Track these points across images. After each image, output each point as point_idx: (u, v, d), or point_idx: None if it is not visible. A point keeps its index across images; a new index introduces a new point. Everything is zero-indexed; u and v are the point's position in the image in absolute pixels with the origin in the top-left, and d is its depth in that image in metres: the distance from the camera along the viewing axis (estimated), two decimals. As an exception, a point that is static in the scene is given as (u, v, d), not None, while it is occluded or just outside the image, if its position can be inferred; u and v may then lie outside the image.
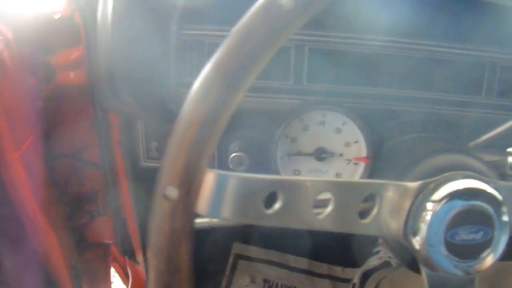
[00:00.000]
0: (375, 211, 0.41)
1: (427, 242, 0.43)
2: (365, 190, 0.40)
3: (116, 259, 0.99)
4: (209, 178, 0.37)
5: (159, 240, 0.37)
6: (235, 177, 0.37)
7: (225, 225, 0.61)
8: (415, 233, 0.43)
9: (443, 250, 0.43)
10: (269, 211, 0.38)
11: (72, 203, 0.80)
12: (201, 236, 0.83)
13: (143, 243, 0.83)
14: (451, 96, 0.65)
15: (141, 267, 0.88)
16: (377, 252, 0.97)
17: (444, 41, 0.63)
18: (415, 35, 0.62)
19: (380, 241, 0.97)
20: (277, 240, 1.04)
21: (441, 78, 0.64)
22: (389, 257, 0.93)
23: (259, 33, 0.34)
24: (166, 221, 0.37)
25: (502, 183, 0.45)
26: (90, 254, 0.87)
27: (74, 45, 0.69)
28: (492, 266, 0.45)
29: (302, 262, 1.05)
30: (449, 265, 0.43)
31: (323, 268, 1.05)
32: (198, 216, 0.38)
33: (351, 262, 1.03)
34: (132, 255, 0.87)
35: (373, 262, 0.94)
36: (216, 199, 0.37)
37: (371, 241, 0.98)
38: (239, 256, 1.04)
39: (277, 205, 0.38)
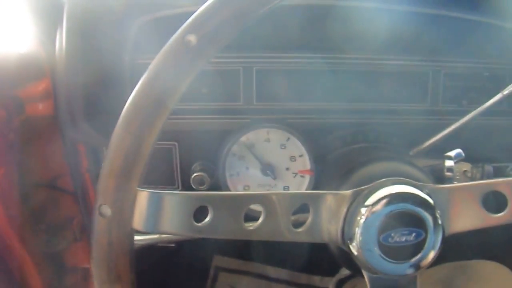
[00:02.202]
0: (309, 220, 0.44)
1: (362, 245, 0.45)
2: (296, 201, 0.43)
3: (97, 282, 1.01)
4: (142, 197, 0.41)
5: (98, 253, 0.41)
6: (165, 195, 0.41)
7: (206, 238, 0.63)
8: (351, 238, 0.46)
9: (377, 252, 0.45)
10: (200, 224, 0.41)
11: (48, 230, 0.82)
12: (182, 249, 0.85)
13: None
14: (397, 106, 0.68)
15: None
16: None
17: (385, 53, 0.66)
18: (357, 50, 0.65)
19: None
20: (257, 252, 1.06)
21: (386, 89, 0.67)
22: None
23: (170, 67, 0.38)
24: (103, 236, 0.41)
25: (433, 186, 0.47)
26: (70, 279, 0.88)
27: (40, 77, 0.71)
28: (445, 267, 0.47)
29: (282, 273, 1.07)
30: (386, 266, 0.46)
31: (302, 278, 1.07)
32: (136, 231, 0.41)
33: (329, 271, 1.05)
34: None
35: (346, 271, 0.96)
36: (149, 215, 0.41)
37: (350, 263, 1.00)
38: (220, 269, 1.06)
39: (207, 219, 0.42)
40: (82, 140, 0.70)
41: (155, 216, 0.41)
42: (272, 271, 1.07)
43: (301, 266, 1.07)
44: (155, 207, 0.41)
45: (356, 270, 0.51)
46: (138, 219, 0.41)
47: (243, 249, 1.06)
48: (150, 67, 0.38)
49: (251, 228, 0.42)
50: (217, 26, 0.37)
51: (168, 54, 0.38)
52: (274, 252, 1.02)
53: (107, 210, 0.40)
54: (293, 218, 0.44)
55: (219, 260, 1.07)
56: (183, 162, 0.69)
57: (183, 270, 0.98)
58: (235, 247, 1.06)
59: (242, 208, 0.41)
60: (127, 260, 0.42)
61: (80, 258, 0.87)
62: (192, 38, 0.37)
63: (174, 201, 0.41)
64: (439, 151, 0.61)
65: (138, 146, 0.39)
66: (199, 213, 0.42)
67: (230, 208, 0.41)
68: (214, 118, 0.67)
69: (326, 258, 1.02)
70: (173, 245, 0.81)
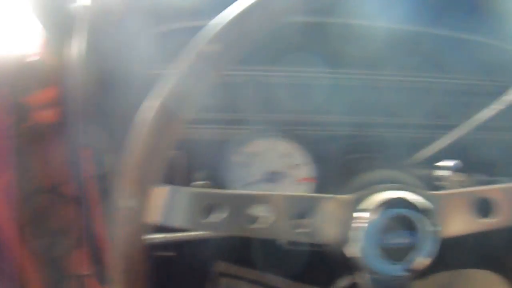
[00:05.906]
0: (311, 221, 0.47)
1: (362, 247, 0.48)
2: (300, 203, 0.46)
3: (95, 289, 1.01)
4: (157, 192, 0.43)
5: (118, 243, 0.44)
6: (177, 190, 0.44)
7: (208, 242, 0.66)
8: (351, 240, 0.48)
9: (376, 253, 0.48)
10: (208, 220, 0.44)
11: (49, 234, 0.83)
12: (183, 252, 0.87)
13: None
14: (393, 120, 0.71)
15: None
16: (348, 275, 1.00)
17: (382, 69, 0.69)
18: (353, 65, 0.69)
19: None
20: (259, 260, 1.07)
21: (383, 102, 0.71)
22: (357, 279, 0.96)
23: (190, 74, 0.41)
24: (123, 226, 0.43)
25: (428, 192, 0.50)
26: (68, 285, 0.89)
27: (48, 85, 0.72)
28: (442, 274, 0.49)
29: (282, 283, 1.08)
30: (385, 267, 0.49)
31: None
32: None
33: (326, 282, 1.06)
34: (110, 285, 0.90)
35: (341, 283, 0.98)
36: (163, 209, 0.44)
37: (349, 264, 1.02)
38: (221, 274, 1.07)
39: (215, 215, 0.44)
40: (91, 146, 0.71)
41: (168, 210, 0.43)
42: (273, 280, 1.08)
43: (301, 276, 1.08)
44: (169, 201, 0.43)
45: (353, 272, 0.53)
46: (153, 212, 0.43)
47: (245, 256, 1.07)
48: (173, 72, 0.41)
49: (255, 226, 0.44)
50: (235, 39, 0.41)
51: (188, 62, 0.41)
52: (276, 261, 1.03)
53: (127, 203, 0.43)
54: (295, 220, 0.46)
55: (220, 266, 1.07)
56: (186, 170, 0.71)
57: (183, 276, 0.99)
58: (236, 254, 1.07)
59: (248, 207, 0.44)
60: (141, 253, 0.44)
61: (79, 264, 0.88)
62: (210, 48, 0.40)
63: (185, 197, 0.44)
64: (433, 162, 0.64)
65: (158, 143, 0.42)
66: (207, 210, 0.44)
67: (237, 206, 0.44)
68: (214, 128, 0.70)
69: (322, 268, 1.04)
70: (171, 253, 0.82)
